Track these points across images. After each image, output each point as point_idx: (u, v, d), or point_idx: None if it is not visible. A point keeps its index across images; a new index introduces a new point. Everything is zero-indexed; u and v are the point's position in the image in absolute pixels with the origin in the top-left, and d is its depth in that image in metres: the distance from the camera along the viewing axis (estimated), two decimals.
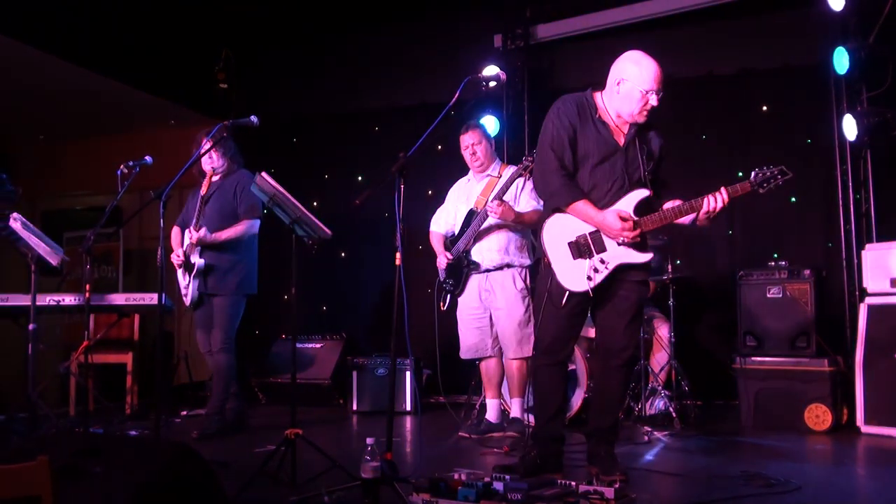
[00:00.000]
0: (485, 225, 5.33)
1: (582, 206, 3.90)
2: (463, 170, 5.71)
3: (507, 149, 7.46)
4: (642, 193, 3.93)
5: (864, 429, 5.50)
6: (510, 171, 5.33)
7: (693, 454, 4.95)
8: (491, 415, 5.49)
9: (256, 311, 8.42)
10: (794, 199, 6.96)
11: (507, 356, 5.37)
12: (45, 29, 6.72)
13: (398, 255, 3.85)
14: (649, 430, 5.41)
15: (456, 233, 5.54)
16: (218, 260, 5.63)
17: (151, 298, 6.23)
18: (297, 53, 8.69)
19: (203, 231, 5.52)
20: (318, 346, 7.59)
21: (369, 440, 3.40)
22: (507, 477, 3.38)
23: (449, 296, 5.50)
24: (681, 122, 7.05)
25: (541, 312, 4.07)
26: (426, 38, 8.20)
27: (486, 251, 5.36)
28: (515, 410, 5.37)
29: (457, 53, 7.54)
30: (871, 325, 5.64)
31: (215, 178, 5.80)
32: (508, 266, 5.34)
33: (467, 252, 5.41)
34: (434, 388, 7.51)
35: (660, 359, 6.14)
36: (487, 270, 5.37)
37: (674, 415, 5.63)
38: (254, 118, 4.49)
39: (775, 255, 6.60)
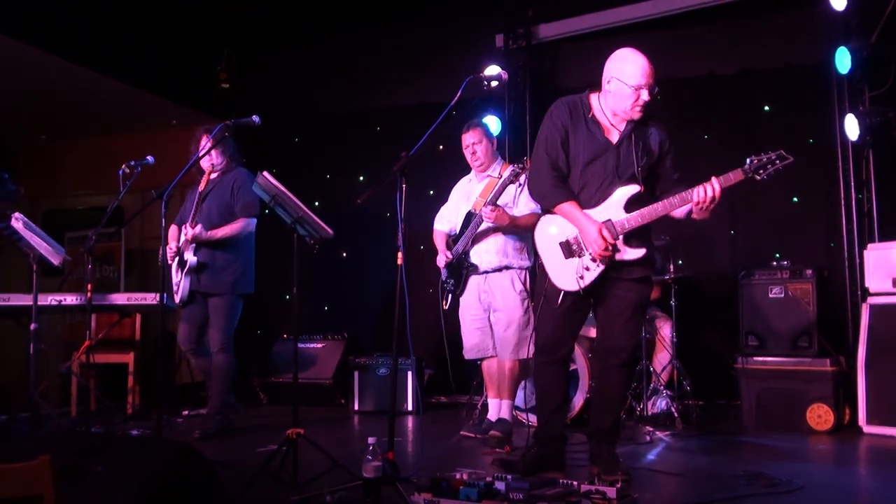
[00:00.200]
0: (482, 228, 5.32)
1: (567, 207, 3.95)
2: (464, 169, 5.70)
3: (509, 149, 7.46)
4: (631, 190, 3.91)
5: (867, 429, 5.49)
6: (511, 169, 5.32)
7: (695, 454, 4.95)
8: (493, 414, 5.49)
9: (258, 310, 8.42)
10: (796, 199, 6.95)
11: (501, 357, 5.33)
12: (47, 28, 6.73)
13: (400, 254, 3.85)
14: (651, 429, 5.40)
15: (457, 232, 5.54)
16: (213, 258, 5.61)
17: (153, 298, 6.23)
18: (299, 53, 8.69)
19: (199, 228, 5.50)
20: (320, 345, 7.59)
21: (371, 440, 3.40)
22: (509, 477, 3.38)
23: (450, 295, 5.49)
24: (682, 122, 7.03)
25: (538, 311, 4.09)
26: (428, 37, 8.19)
27: (484, 253, 5.34)
28: (504, 411, 5.33)
29: (458, 53, 7.54)
30: (873, 324, 5.64)
31: (213, 176, 5.79)
32: (507, 268, 5.29)
33: (466, 254, 5.40)
34: (435, 388, 7.53)
35: (662, 359, 6.13)
36: (486, 272, 5.35)
37: (676, 415, 5.63)
38: (255, 118, 4.48)
39: (777, 255, 6.59)
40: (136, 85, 7.75)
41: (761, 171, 3.71)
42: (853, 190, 6.38)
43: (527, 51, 7.75)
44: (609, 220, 3.89)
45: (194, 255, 5.55)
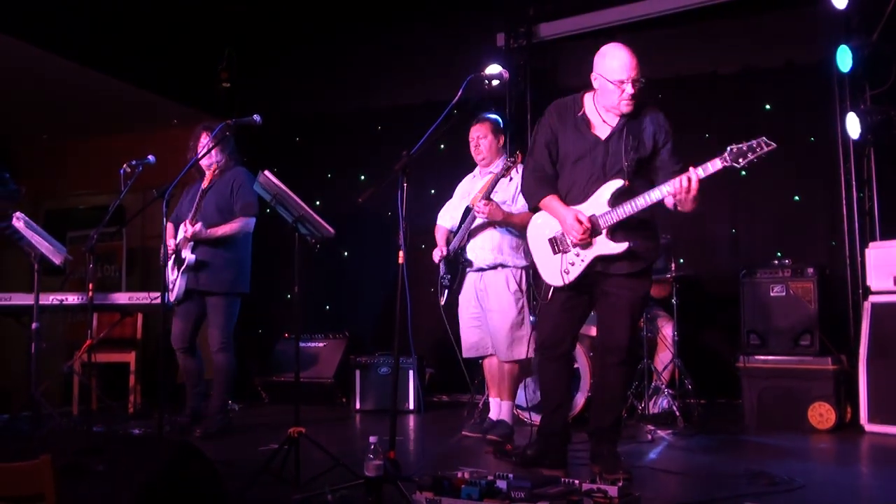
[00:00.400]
0: (476, 223, 5.31)
1: (548, 200, 4.05)
2: (465, 168, 5.69)
3: (510, 147, 7.44)
4: (615, 185, 3.92)
5: (868, 427, 5.49)
6: (518, 167, 5.32)
7: (696, 453, 4.95)
8: (494, 413, 5.48)
9: (259, 310, 8.43)
10: (797, 198, 6.96)
11: (497, 358, 5.32)
12: (48, 28, 6.73)
13: (401, 253, 3.85)
14: (653, 428, 5.40)
15: (457, 227, 5.53)
16: (212, 257, 5.60)
17: (154, 297, 6.23)
18: (300, 52, 8.69)
19: (199, 226, 5.49)
20: (322, 344, 7.59)
21: (372, 439, 3.40)
22: (511, 475, 3.38)
23: (447, 291, 5.47)
24: (683, 121, 7.01)
25: (538, 308, 4.11)
26: (429, 36, 8.19)
27: (479, 249, 5.30)
28: (503, 412, 5.30)
29: (459, 52, 7.54)
30: (874, 323, 5.64)
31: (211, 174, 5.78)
32: (503, 266, 5.23)
33: (462, 249, 5.38)
34: (436, 387, 7.53)
35: (663, 357, 6.13)
36: (481, 269, 5.31)
37: (677, 413, 5.63)
38: (256, 117, 4.48)
39: (779, 254, 6.58)
40: (138, 84, 7.75)
41: (741, 160, 3.65)
42: (854, 188, 6.37)
43: (528, 50, 7.75)
44: (593, 214, 3.91)
45: (192, 253, 5.53)
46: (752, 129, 6.97)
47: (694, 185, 3.68)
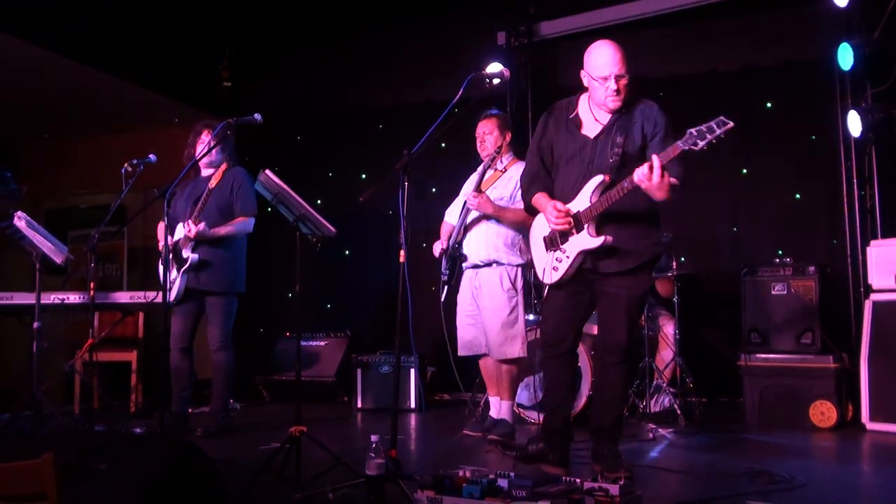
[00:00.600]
0: (472, 217, 5.30)
1: (537, 198, 4.13)
2: (467, 166, 5.68)
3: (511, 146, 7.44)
4: (596, 180, 3.92)
5: (870, 426, 5.50)
6: (519, 165, 5.31)
7: (698, 451, 4.95)
8: (495, 412, 5.48)
9: (261, 309, 8.42)
10: (798, 196, 6.95)
11: (491, 357, 5.32)
12: (48, 27, 6.72)
13: (402, 252, 3.85)
14: (654, 427, 5.40)
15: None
16: (213, 256, 5.59)
17: (151, 297, 6.23)
18: (301, 52, 8.68)
19: (202, 225, 5.48)
20: (323, 343, 7.59)
21: (374, 437, 3.40)
22: (512, 474, 3.38)
23: (446, 287, 5.46)
24: (683, 120, 7.00)
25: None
26: (430, 35, 8.19)
27: (473, 245, 5.29)
28: (504, 412, 5.29)
29: (460, 51, 7.54)
30: (876, 321, 5.64)
31: (209, 173, 5.76)
32: (497, 263, 5.22)
33: (459, 244, 5.37)
34: (438, 385, 7.53)
35: (665, 356, 6.13)
36: (476, 266, 5.30)
37: (678, 412, 5.63)
38: (257, 116, 4.48)
39: (780, 252, 6.58)
40: (138, 83, 7.75)
41: (700, 142, 3.59)
42: (856, 186, 6.37)
43: (529, 48, 7.75)
44: (578, 211, 3.94)
45: (192, 252, 5.53)
46: (753, 127, 7.07)
47: (656, 171, 3.61)
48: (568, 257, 3.98)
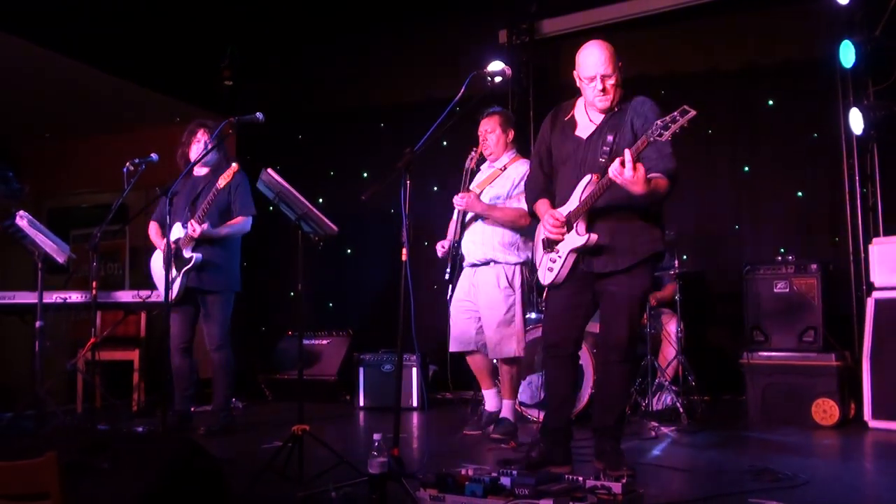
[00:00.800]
0: (469, 216, 5.31)
1: (537, 206, 4.20)
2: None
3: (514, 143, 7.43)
4: (585, 181, 3.93)
5: (872, 423, 5.49)
6: (518, 164, 5.31)
7: (700, 449, 4.95)
8: (489, 405, 5.46)
9: (263, 307, 8.43)
10: (800, 194, 6.95)
11: (489, 356, 5.31)
12: (50, 27, 6.73)
13: (404, 250, 3.85)
14: (656, 425, 5.40)
15: None
16: (213, 256, 5.59)
17: (146, 295, 6.23)
18: (303, 50, 8.68)
19: (206, 225, 5.47)
20: (325, 342, 7.59)
21: (376, 436, 3.40)
22: (515, 472, 3.38)
23: (449, 285, 5.46)
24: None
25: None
26: (431, 34, 8.19)
27: (470, 244, 5.29)
28: (505, 410, 5.29)
29: (462, 49, 7.54)
30: (878, 319, 5.63)
31: (203, 172, 5.74)
32: (495, 262, 5.21)
33: (457, 243, 5.37)
34: (440, 384, 7.52)
35: (667, 354, 6.12)
36: (474, 265, 5.31)
37: (681, 410, 5.62)
38: (259, 115, 4.48)
39: (782, 250, 6.58)
40: (140, 82, 7.76)
41: (665, 132, 3.56)
42: (858, 184, 6.37)
43: (530, 46, 7.75)
44: (570, 211, 3.95)
45: (192, 252, 5.51)
46: (754, 125, 7.07)
47: (628, 165, 3.58)
48: (560, 258, 4.00)
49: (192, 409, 5.84)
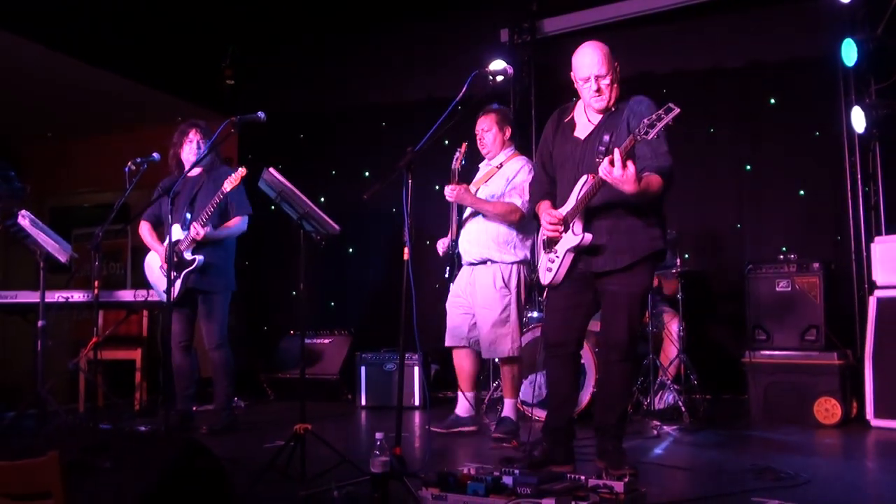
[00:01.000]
0: (466, 215, 5.30)
1: (539, 206, 4.17)
2: (471, 163, 5.67)
3: (514, 144, 7.42)
4: (582, 181, 3.92)
5: (874, 422, 5.49)
6: (515, 161, 5.30)
7: (702, 448, 4.95)
8: (460, 409, 5.43)
9: (265, 307, 8.43)
10: (802, 192, 6.94)
11: (483, 356, 5.31)
12: (52, 26, 6.73)
13: (406, 249, 3.85)
14: (658, 424, 5.40)
15: None
16: (213, 257, 5.59)
17: (153, 295, 6.23)
18: (305, 49, 8.69)
19: (209, 228, 5.48)
20: (327, 341, 7.59)
21: (378, 435, 3.40)
22: (517, 471, 3.38)
23: (450, 285, 5.46)
24: (688, 115, 7.00)
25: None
26: (433, 33, 8.19)
27: (466, 243, 5.28)
28: (507, 410, 5.28)
29: (464, 48, 7.53)
30: (880, 317, 5.63)
31: (196, 173, 5.71)
32: (491, 261, 5.20)
33: (455, 242, 5.37)
34: (442, 383, 7.53)
35: (669, 353, 6.12)
36: (471, 264, 5.29)
37: (683, 409, 5.62)
38: (261, 114, 4.48)
39: (784, 249, 6.57)
40: (142, 82, 7.76)
41: (651, 130, 3.55)
42: (860, 183, 6.36)
43: (532, 45, 7.75)
44: (567, 212, 3.96)
45: (193, 254, 5.50)
46: (756, 123, 7.06)
47: (617, 164, 3.58)
48: (558, 257, 4.00)
49: (194, 408, 5.84)
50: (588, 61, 3.97)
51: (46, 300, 5.74)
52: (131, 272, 9.44)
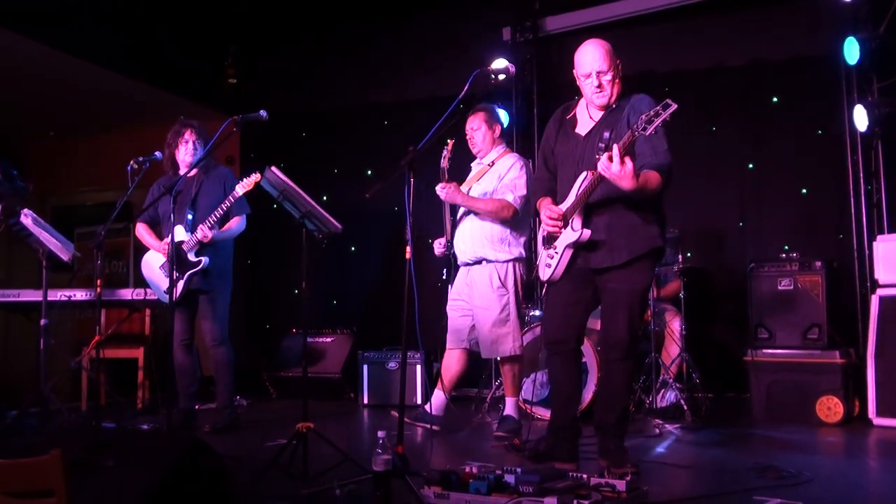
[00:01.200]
0: (459, 215, 5.30)
1: (539, 202, 4.18)
2: (463, 164, 5.66)
3: (516, 142, 7.44)
4: (581, 177, 3.94)
5: (876, 421, 5.49)
6: (506, 159, 5.29)
7: (704, 447, 4.95)
8: (433, 407, 5.36)
9: (267, 305, 8.43)
10: (805, 191, 6.94)
11: (483, 356, 5.31)
12: (54, 25, 6.74)
13: (408, 248, 3.85)
14: (660, 422, 5.40)
15: None
16: (217, 258, 5.60)
17: (152, 295, 6.24)
18: (306, 48, 8.69)
19: (216, 230, 5.47)
20: (329, 340, 7.60)
21: (381, 433, 3.40)
22: (519, 470, 3.38)
23: (449, 285, 5.45)
24: (690, 115, 7.02)
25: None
26: (435, 31, 8.19)
27: (460, 243, 5.26)
28: (508, 408, 5.27)
29: (466, 47, 7.53)
30: (882, 316, 5.62)
31: (192, 173, 5.67)
32: (486, 261, 5.18)
33: (450, 242, 5.36)
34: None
35: (671, 351, 6.12)
36: (467, 264, 5.29)
37: (685, 407, 5.62)
38: (263, 113, 4.48)
39: (786, 247, 6.57)
40: (144, 81, 7.76)
41: (649, 126, 3.54)
42: (862, 181, 6.36)
43: (534, 44, 7.75)
44: (567, 208, 3.98)
45: (197, 256, 5.50)
46: (759, 121, 7.06)
47: (616, 160, 3.59)
48: (558, 253, 4.03)
49: (197, 406, 5.85)
50: (590, 57, 4.00)
51: (49, 299, 5.75)
52: (134, 271, 9.44)
